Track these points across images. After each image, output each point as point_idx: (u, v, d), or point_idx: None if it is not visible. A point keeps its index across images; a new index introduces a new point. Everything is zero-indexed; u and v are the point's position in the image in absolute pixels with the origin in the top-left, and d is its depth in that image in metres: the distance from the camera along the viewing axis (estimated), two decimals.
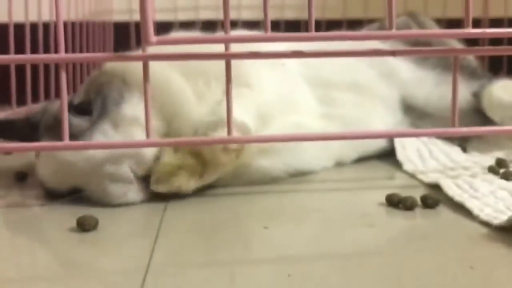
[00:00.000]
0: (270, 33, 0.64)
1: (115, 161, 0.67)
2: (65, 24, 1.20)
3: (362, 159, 0.89)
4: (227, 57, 0.67)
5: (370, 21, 1.34)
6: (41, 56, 0.78)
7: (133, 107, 0.70)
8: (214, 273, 0.50)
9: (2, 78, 1.00)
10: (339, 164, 0.87)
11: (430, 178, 0.75)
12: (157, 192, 0.69)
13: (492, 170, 0.76)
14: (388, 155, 0.89)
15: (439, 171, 0.78)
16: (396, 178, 0.81)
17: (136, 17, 1.32)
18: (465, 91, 0.94)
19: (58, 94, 0.79)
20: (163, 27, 1.05)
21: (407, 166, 0.82)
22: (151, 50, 0.66)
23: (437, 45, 0.98)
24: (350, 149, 0.87)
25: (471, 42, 1.16)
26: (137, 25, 1.25)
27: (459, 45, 1.04)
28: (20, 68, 1.03)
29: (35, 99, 1.09)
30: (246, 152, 0.72)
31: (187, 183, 0.68)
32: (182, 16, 1.61)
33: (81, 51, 1.29)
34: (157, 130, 0.70)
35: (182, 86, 0.74)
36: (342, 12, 1.61)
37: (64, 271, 0.53)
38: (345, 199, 0.73)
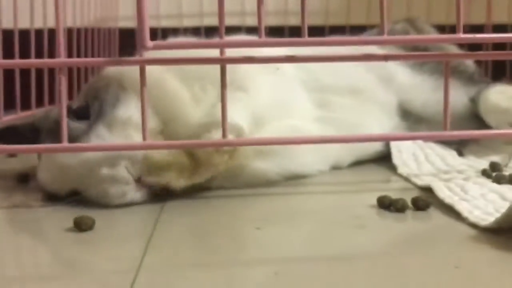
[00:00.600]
0: (264, 38, 0.66)
1: (111, 163, 0.68)
2: (70, 31, 1.22)
3: (358, 163, 0.90)
4: (222, 62, 0.68)
5: (373, 27, 1.35)
6: (41, 61, 0.81)
7: (128, 109, 0.72)
8: (205, 273, 0.52)
9: (7, 82, 1.02)
10: (336, 168, 0.88)
11: (423, 181, 0.76)
12: (154, 193, 0.70)
13: (485, 173, 0.77)
14: (384, 159, 0.90)
15: (433, 174, 0.79)
16: (390, 181, 0.82)
17: None
18: (462, 96, 0.95)
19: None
20: (168, 33, 1.07)
21: (401, 170, 0.83)
22: (150, 55, 0.68)
23: (434, 51, 0.99)
24: (347, 153, 0.88)
25: (475, 47, 1.17)
26: None
27: (456, 51, 1.05)
28: (25, 73, 1.06)
29: (40, 103, 1.12)
30: (241, 154, 0.73)
31: (176, 180, 0.70)
32: (188, 23, 1.63)
33: (86, 57, 1.31)
34: (154, 132, 0.72)
35: (178, 90, 0.76)
36: (345, 18, 1.62)
37: (58, 270, 0.55)
38: (338, 202, 0.74)
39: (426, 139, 0.90)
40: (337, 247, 0.58)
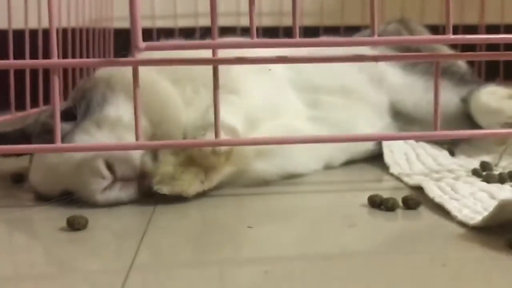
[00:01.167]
0: (256, 39, 0.66)
1: (90, 158, 0.69)
2: (65, 31, 1.22)
3: (351, 162, 0.91)
4: (214, 63, 0.69)
5: (367, 27, 1.36)
6: (35, 61, 0.81)
7: (116, 108, 0.73)
8: (197, 273, 0.52)
9: (1, 83, 1.02)
10: (328, 167, 0.88)
11: (414, 180, 0.77)
12: (145, 193, 0.71)
13: (475, 173, 0.78)
14: (376, 158, 0.91)
15: (424, 174, 0.80)
16: (382, 181, 0.83)
17: None
18: (454, 96, 0.96)
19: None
20: (163, 34, 1.07)
21: (393, 169, 0.84)
22: (143, 56, 0.69)
23: (426, 51, 0.99)
24: (339, 151, 0.88)
25: (468, 48, 1.17)
26: None
27: (448, 51, 1.06)
28: (20, 74, 1.06)
29: (35, 104, 1.12)
30: (242, 157, 0.74)
31: (188, 187, 0.70)
32: (182, 23, 1.64)
33: (81, 57, 1.31)
34: (144, 132, 0.72)
35: (169, 91, 0.76)
36: (339, 19, 1.63)
37: (51, 269, 0.55)
38: (329, 200, 0.74)
39: (417, 138, 0.91)
40: (327, 246, 0.58)
